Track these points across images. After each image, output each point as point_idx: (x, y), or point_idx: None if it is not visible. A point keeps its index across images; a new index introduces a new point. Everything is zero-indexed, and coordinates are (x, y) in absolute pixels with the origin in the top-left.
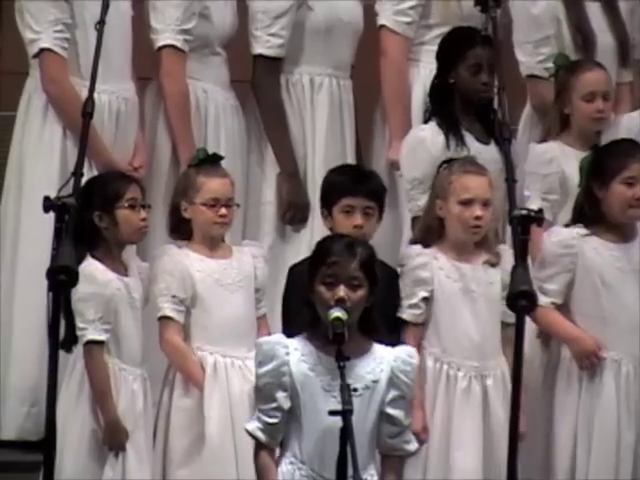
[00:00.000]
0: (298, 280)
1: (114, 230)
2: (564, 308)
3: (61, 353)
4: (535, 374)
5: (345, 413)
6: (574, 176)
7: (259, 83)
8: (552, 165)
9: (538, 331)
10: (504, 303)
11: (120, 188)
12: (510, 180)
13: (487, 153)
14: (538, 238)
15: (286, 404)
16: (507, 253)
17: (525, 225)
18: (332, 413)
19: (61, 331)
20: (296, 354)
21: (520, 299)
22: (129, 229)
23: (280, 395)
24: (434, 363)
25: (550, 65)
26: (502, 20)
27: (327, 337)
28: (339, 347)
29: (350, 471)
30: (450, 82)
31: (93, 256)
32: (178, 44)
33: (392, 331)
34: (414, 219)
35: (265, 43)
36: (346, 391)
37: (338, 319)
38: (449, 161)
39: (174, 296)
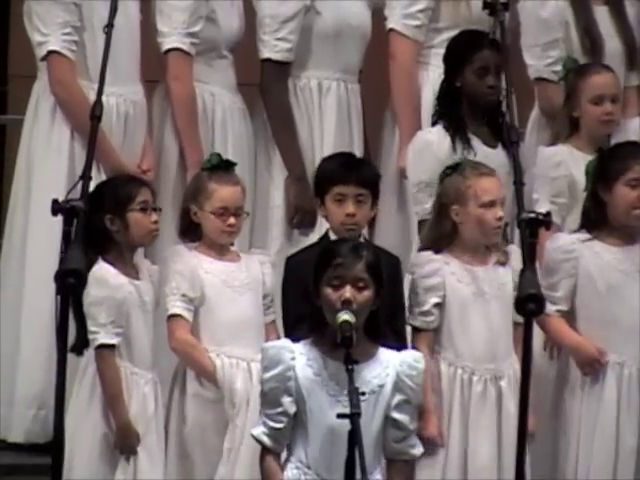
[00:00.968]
0: (295, 270)
1: (125, 233)
2: (570, 314)
3: (71, 357)
4: (544, 376)
5: (353, 416)
6: (583, 180)
7: (267, 87)
8: (561, 168)
9: (544, 342)
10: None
11: (131, 191)
12: (518, 183)
13: (494, 156)
14: (546, 241)
15: (292, 409)
16: (516, 253)
17: (533, 228)
18: (341, 416)
19: (70, 335)
20: (302, 359)
21: (528, 302)
22: (140, 232)
23: (286, 400)
24: (448, 368)
25: (558, 68)
26: (510, 23)
27: (334, 341)
28: (347, 350)
29: (358, 474)
30: (457, 85)
31: (104, 259)
32: (185, 47)
33: (393, 320)
34: (420, 222)
35: (273, 47)
36: (355, 394)
37: (346, 322)
38: (453, 167)
39: (184, 295)
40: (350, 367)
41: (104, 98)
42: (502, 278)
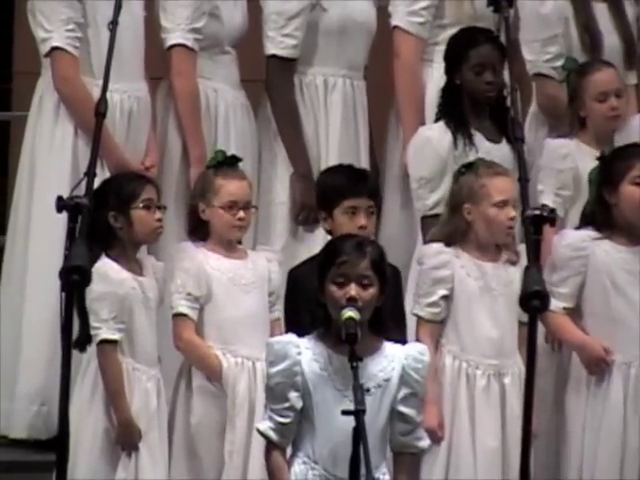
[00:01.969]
0: (298, 283)
1: (129, 230)
2: (576, 312)
3: (73, 352)
4: (547, 375)
5: (358, 413)
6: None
7: (273, 84)
8: (567, 161)
9: (545, 336)
10: None
11: (136, 189)
12: (523, 180)
13: (497, 152)
14: (550, 238)
15: (298, 404)
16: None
17: (538, 225)
18: (345, 413)
19: (74, 331)
20: (308, 354)
21: (533, 299)
22: (144, 229)
23: (292, 395)
24: (453, 361)
25: (557, 64)
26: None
27: (339, 337)
28: (352, 347)
29: (363, 470)
30: (457, 83)
31: (108, 256)
32: (188, 43)
33: (396, 327)
34: (423, 218)
35: (279, 44)
36: (359, 391)
37: (351, 319)
38: (467, 166)
39: (189, 293)
40: (355, 364)
41: (108, 94)
42: (511, 276)
